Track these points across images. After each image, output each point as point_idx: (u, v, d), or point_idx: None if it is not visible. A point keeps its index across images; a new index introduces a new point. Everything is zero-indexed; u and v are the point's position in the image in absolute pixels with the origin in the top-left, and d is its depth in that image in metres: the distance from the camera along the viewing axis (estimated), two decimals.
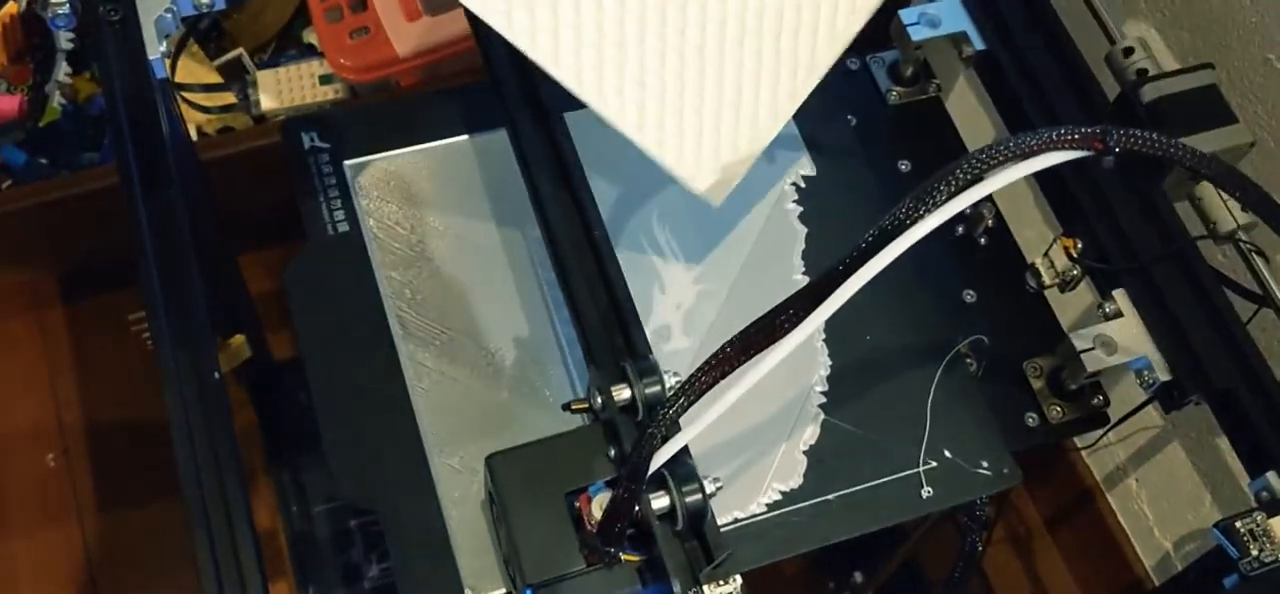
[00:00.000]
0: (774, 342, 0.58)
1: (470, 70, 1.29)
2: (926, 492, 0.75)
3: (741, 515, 0.73)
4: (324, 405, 0.75)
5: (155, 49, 0.79)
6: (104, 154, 1.32)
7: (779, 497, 0.74)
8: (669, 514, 0.64)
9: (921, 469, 0.76)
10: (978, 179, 0.56)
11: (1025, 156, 0.55)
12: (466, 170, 0.85)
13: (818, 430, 0.77)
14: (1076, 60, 0.86)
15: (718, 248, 0.83)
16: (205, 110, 1.34)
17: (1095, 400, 0.83)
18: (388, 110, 0.93)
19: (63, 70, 1.31)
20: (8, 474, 1.28)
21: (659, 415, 0.60)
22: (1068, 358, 0.79)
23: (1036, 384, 0.83)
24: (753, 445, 0.75)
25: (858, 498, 0.74)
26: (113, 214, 0.75)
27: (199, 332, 0.72)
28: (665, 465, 0.63)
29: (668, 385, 0.66)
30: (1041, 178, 0.87)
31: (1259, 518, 0.71)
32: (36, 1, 1.27)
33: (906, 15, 0.89)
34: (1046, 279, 0.84)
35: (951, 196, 0.55)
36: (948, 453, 0.76)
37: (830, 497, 0.74)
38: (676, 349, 0.79)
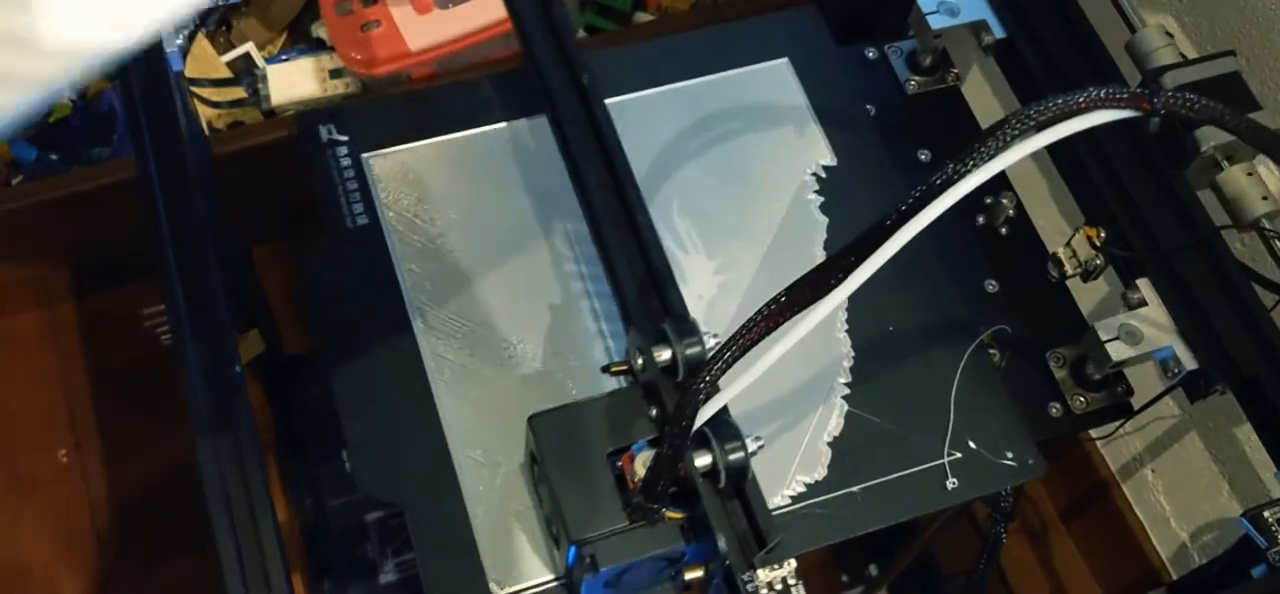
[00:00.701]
0: (822, 297, 0.57)
1: (482, 63, 1.28)
2: (951, 483, 0.75)
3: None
4: (345, 400, 0.74)
5: (171, 41, 0.79)
6: (114, 149, 1.32)
7: (804, 489, 0.74)
8: (711, 472, 0.64)
9: (946, 460, 0.75)
10: (1026, 134, 0.55)
11: (1075, 114, 0.55)
12: (487, 162, 0.84)
13: (841, 422, 0.76)
14: (1097, 48, 0.85)
15: (738, 239, 0.82)
16: (215, 105, 1.34)
17: (1119, 390, 0.83)
18: (406, 102, 0.92)
19: None
20: (19, 469, 1.28)
21: (705, 371, 0.60)
22: (1092, 348, 0.79)
23: (1059, 374, 0.83)
24: (776, 437, 0.75)
25: (883, 489, 0.74)
26: (123, 209, 0.74)
27: (219, 326, 0.72)
28: (707, 424, 0.63)
29: (707, 345, 0.66)
30: (1064, 167, 0.87)
31: None
32: None
33: (925, 4, 0.89)
34: (1068, 268, 0.83)
35: (1000, 151, 0.55)
36: (972, 444, 0.76)
37: (855, 489, 0.74)
38: None
